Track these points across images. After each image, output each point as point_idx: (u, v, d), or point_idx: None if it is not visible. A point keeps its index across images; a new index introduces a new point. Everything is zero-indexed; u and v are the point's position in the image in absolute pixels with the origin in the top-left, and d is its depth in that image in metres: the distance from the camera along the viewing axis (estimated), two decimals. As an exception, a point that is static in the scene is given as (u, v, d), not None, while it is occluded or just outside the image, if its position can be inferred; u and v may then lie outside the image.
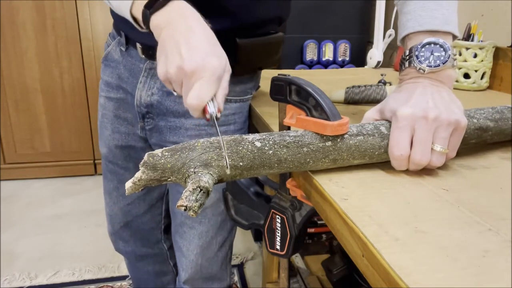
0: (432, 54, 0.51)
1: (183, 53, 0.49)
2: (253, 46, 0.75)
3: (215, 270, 0.90)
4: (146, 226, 0.99)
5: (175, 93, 0.53)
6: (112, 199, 0.95)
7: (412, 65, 0.52)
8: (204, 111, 0.50)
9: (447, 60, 0.51)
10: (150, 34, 0.55)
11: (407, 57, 0.53)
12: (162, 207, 1.00)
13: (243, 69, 0.76)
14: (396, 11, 0.65)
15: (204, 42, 0.51)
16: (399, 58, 1.34)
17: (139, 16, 0.55)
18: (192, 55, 0.49)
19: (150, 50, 0.73)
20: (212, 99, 0.50)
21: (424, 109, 0.47)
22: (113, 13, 0.77)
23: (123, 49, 0.78)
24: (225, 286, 0.94)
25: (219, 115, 0.50)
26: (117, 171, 0.91)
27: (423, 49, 0.52)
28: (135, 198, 0.94)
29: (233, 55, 0.72)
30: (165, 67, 0.51)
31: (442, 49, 0.51)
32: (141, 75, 0.77)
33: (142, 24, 0.56)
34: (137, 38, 0.74)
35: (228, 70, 0.53)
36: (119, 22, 0.77)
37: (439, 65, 0.51)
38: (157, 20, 0.53)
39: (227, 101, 0.80)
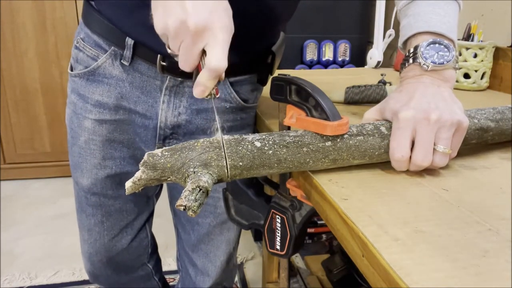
0: (437, 53, 0.52)
1: (186, 4, 0.41)
2: (279, 51, 0.74)
3: (231, 270, 0.93)
4: (132, 256, 0.89)
5: (169, 51, 0.46)
6: (92, 236, 0.82)
7: (416, 61, 0.53)
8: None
9: (451, 60, 0.52)
10: None
11: (411, 54, 0.54)
12: (147, 229, 0.91)
13: (271, 76, 0.75)
14: (396, 12, 0.65)
15: None
16: (399, 58, 1.34)
17: None
18: (198, 9, 0.41)
19: (173, 66, 0.63)
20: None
21: (426, 111, 0.47)
22: (119, 18, 0.64)
23: (126, 63, 0.66)
24: (233, 283, 0.98)
25: (218, 95, 0.46)
26: (104, 203, 0.79)
27: (428, 47, 0.53)
28: (123, 227, 0.84)
29: (270, 66, 0.72)
30: (164, 19, 0.43)
31: (446, 49, 0.52)
32: (161, 94, 0.68)
33: None
34: (156, 46, 0.63)
35: (233, 30, 0.45)
36: (128, 25, 0.64)
37: (443, 63, 0.51)
38: None
39: (252, 108, 0.77)
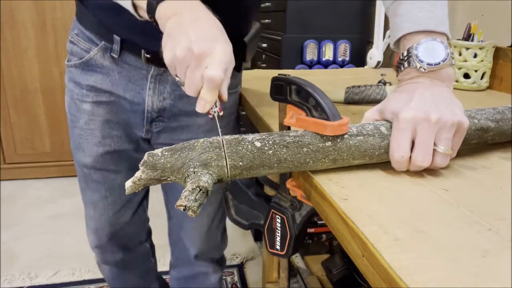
0: (431, 53, 0.51)
1: (192, 36, 0.47)
2: (251, 40, 0.80)
3: (218, 241, 1.03)
4: (133, 230, 0.97)
5: (177, 79, 0.51)
6: (98, 211, 0.90)
7: (411, 65, 0.52)
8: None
9: (446, 58, 0.51)
10: (150, 23, 0.54)
11: (406, 58, 0.53)
12: (145, 204, 0.99)
13: (245, 64, 0.84)
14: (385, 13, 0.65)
15: (213, 29, 0.50)
16: (398, 58, 1.34)
17: (142, 5, 0.54)
18: (202, 38, 0.47)
19: (156, 57, 0.70)
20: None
21: (426, 111, 0.47)
22: (106, 16, 0.72)
23: (115, 55, 0.74)
24: (222, 254, 1.09)
25: (221, 113, 0.49)
26: (106, 178, 0.86)
27: (421, 49, 0.52)
28: (125, 202, 0.91)
29: (242, 55, 0.80)
30: (172, 50, 0.48)
31: (440, 47, 0.52)
32: (147, 82, 0.76)
33: (140, 12, 0.54)
34: (140, 43, 0.71)
35: (233, 62, 0.51)
36: (115, 26, 0.72)
37: (439, 63, 0.51)
38: (164, 9, 0.51)
39: (233, 93, 0.85)
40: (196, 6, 0.52)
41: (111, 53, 0.74)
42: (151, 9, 0.53)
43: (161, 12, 0.52)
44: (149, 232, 1.07)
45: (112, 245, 0.95)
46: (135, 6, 0.56)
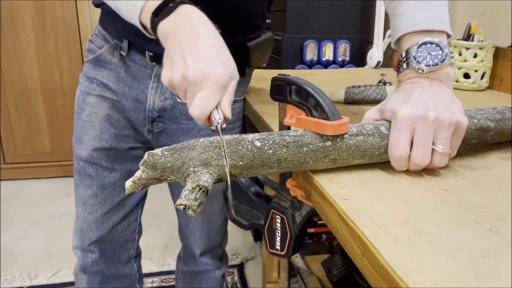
0: (429, 53, 0.51)
1: (187, 60, 0.48)
2: (258, 47, 0.81)
3: (219, 240, 1.05)
4: (120, 239, 0.94)
5: (179, 100, 0.52)
6: (87, 209, 0.88)
7: (410, 66, 0.52)
8: (209, 119, 0.48)
9: (444, 59, 0.51)
10: (158, 40, 0.54)
11: (404, 59, 0.53)
12: (138, 212, 0.96)
13: (250, 70, 0.84)
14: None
15: (210, 49, 0.49)
16: (398, 58, 1.34)
17: (147, 24, 0.54)
18: (197, 63, 0.48)
19: (159, 57, 0.70)
20: (217, 108, 0.48)
21: (424, 110, 0.47)
22: (116, 21, 0.73)
23: (124, 53, 0.78)
24: (224, 250, 1.12)
25: (224, 125, 0.48)
26: (99, 174, 0.86)
27: (419, 50, 0.52)
28: (116, 203, 0.89)
29: (245, 59, 0.81)
30: (170, 73, 0.50)
31: (438, 47, 0.51)
32: (150, 80, 0.79)
33: (150, 31, 0.55)
34: (146, 47, 0.75)
35: (236, 76, 0.51)
36: (124, 31, 0.76)
37: (437, 64, 0.51)
38: (164, 27, 0.52)
39: (234, 102, 0.86)
40: (194, 20, 0.51)
41: (120, 51, 0.78)
42: (154, 28, 0.53)
43: (161, 30, 0.52)
44: (138, 250, 1.02)
45: (95, 250, 0.91)
46: (144, 26, 0.56)
